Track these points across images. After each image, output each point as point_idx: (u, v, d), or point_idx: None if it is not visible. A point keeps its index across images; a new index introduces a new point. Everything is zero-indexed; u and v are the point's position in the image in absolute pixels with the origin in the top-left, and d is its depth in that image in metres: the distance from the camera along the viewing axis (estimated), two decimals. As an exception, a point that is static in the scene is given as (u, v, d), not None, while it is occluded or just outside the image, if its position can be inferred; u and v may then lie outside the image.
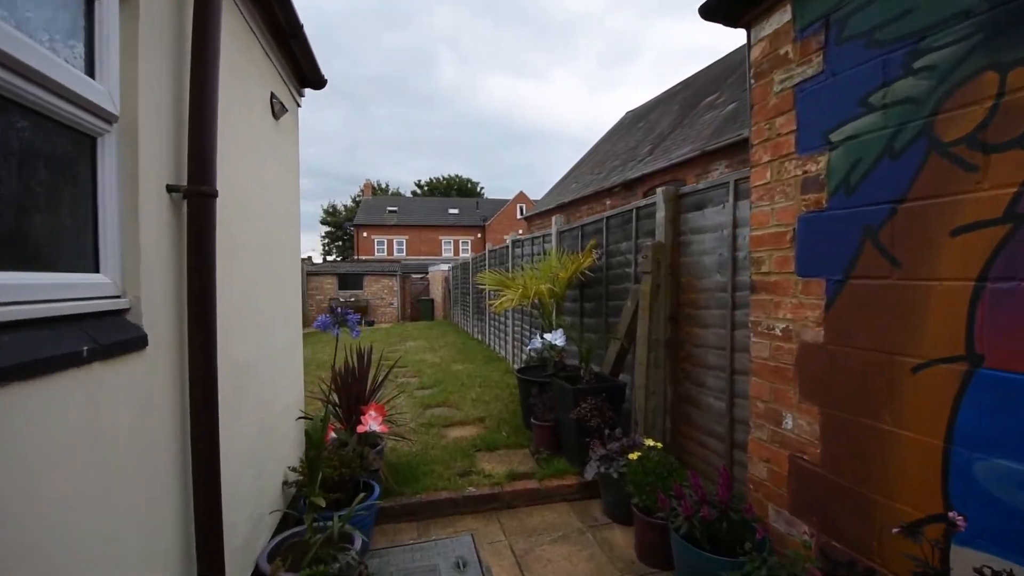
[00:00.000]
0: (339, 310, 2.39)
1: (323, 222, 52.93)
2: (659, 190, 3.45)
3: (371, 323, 16.14)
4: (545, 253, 5.67)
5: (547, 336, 3.99)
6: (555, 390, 3.88)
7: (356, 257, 37.54)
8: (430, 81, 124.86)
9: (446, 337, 11.87)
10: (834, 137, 1.95)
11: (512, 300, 4.25)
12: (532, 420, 4.06)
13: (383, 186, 56.31)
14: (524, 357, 6.03)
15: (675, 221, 3.43)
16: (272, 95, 2.61)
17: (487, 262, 9.71)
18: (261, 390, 2.41)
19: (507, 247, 7.91)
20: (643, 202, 3.82)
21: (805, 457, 2.11)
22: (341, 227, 50.09)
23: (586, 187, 16.15)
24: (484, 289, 10.13)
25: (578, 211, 15.73)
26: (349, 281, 17.15)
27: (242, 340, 2.14)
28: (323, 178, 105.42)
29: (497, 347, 9.12)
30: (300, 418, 3.05)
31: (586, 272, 4.57)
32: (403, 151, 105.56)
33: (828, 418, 2.00)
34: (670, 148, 12.86)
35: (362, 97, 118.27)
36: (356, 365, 3.39)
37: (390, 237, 39.23)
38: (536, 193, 26.84)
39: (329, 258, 48.59)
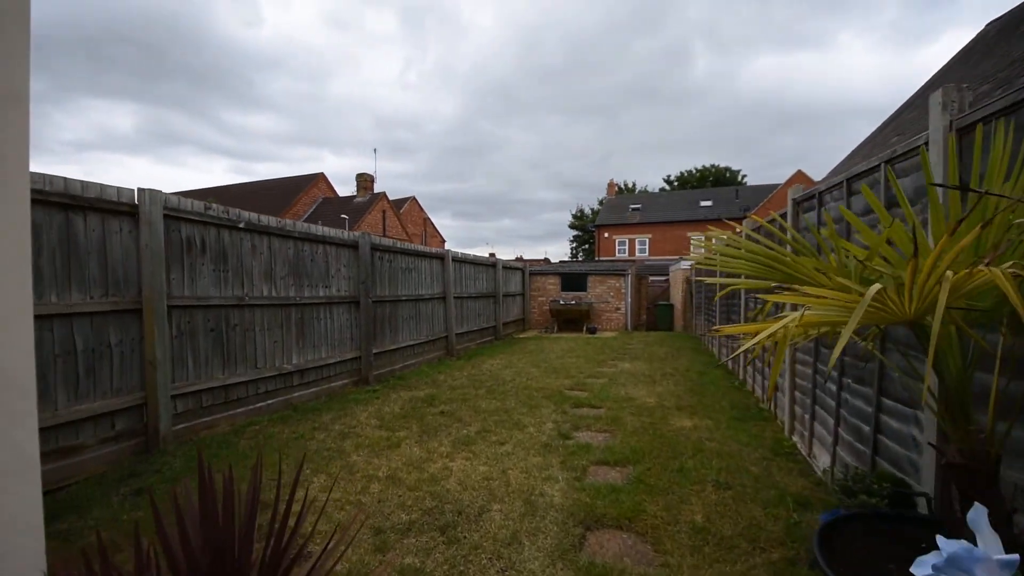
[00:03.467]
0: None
1: (571, 226, 53.89)
2: None
3: (593, 330, 13.73)
4: (894, 210, 2.10)
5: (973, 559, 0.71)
6: None
7: (597, 259, 36.11)
8: (684, 78, 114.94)
9: (678, 359, 8.51)
10: None
11: (824, 315, 1.07)
12: None
13: (630, 186, 53.70)
14: (832, 462, 2.66)
15: None
16: None
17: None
18: None
19: (785, 212, 4.33)
20: None
21: None
22: (585, 229, 49.92)
23: (918, 134, 10.06)
24: (738, 292, 6.36)
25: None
26: (572, 282, 15.16)
27: None
28: (577, 189, 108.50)
29: (758, 386, 5.45)
30: None
31: None
32: (656, 153, 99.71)
33: None
34: None
35: (614, 107, 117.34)
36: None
37: (632, 236, 36.33)
38: (819, 175, 19.79)
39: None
